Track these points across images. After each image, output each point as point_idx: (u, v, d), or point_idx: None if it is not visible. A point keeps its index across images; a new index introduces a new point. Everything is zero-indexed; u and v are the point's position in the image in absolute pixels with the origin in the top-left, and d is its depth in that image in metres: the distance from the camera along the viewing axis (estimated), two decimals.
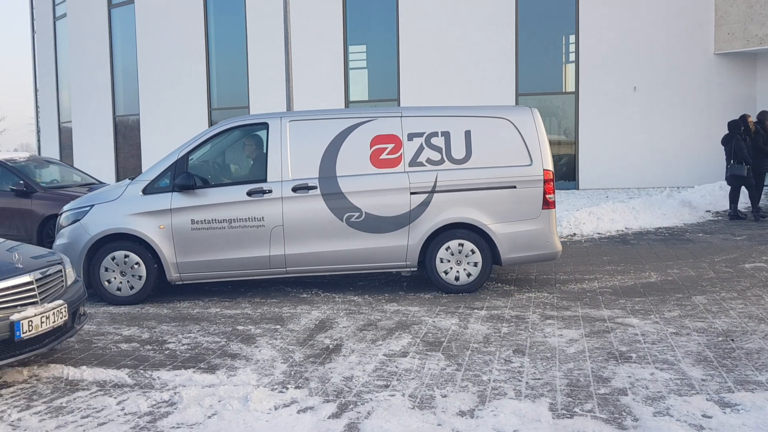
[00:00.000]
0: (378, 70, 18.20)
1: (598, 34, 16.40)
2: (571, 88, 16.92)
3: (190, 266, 7.11)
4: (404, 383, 4.64)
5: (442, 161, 7.20)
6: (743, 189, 12.18)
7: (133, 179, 7.44)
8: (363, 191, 7.10)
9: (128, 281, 7.12)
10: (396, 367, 4.98)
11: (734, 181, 11.89)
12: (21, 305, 4.67)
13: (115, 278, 7.13)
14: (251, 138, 7.54)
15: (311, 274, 7.50)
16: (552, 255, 7.38)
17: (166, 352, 5.52)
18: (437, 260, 7.21)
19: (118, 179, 20.27)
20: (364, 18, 17.96)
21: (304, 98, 16.41)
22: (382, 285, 7.82)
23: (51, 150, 24.50)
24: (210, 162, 7.55)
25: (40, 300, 4.81)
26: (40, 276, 4.90)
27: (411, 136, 7.22)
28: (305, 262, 7.14)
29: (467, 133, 7.24)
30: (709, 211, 12.80)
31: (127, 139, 20.77)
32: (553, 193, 7.25)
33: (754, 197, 11.93)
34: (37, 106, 26.76)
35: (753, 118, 12.44)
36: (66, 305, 5.00)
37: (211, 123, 18.66)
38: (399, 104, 17.24)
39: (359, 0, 17.83)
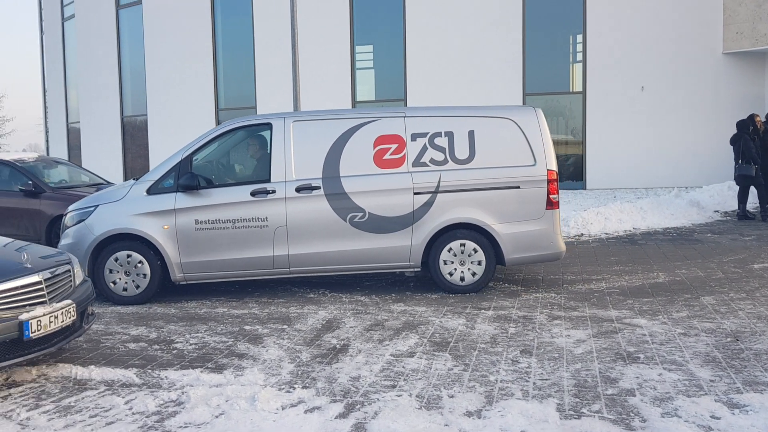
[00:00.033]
0: (385, 70, 18.21)
1: (605, 33, 16.36)
2: (578, 88, 16.88)
3: (194, 266, 7.13)
4: (411, 383, 4.64)
5: (445, 161, 7.20)
6: (752, 189, 12.13)
7: (137, 180, 7.47)
8: (366, 191, 7.10)
9: (133, 280, 7.15)
10: (403, 367, 4.98)
11: (743, 180, 11.84)
12: (30, 305, 4.69)
13: (120, 279, 7.16)
14: (255, 138, 7.55)
15: (315, 275, 7.50)
16: (556, 255, 7.36)
17: (174, 351, 5.54)
18: (441, 260, 7.20)
19: (125, 179, 20.34)
20: (370, 18, 17.97)
21: (311, 98, 16.44)
22: (389, 285, 7.82)
23: (59, 150, 24.62)
24: (214, 162, 7.58)
25: (49, 300, 4.83)
26: (49, 276, 4.92)
27: (414, 137, 7.22)
28: (309, 262, 7.15)
29: (471, 134, 7.23)
30: (717, 211, 12.74)
31: (134, 139, 20.85)
32: (557, 193, 7.24)
33: (763, 197, 11.87)
34: (45, 107, 26.89)
35: (762, 118, 12.39)
36: (74, 305, 5.02)
37: (218, 123, 18.71)
38: (406, 104, 17.24)
39: (366, 0, 17.85)
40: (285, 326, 6.19)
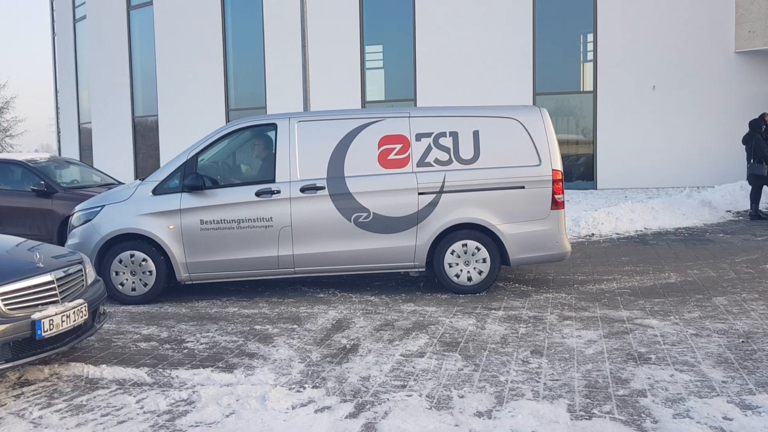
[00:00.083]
0: (394, 70, 18.21)
1: (616, 32, 16.28)
2: (589, 87, 16.81)
3: (200, 266, 7.16)
4: (421, 383, 4.64)
5: (450, 161, 7.19)
6: (765, 188, 12.03)
7: (143, 180, 7.51)
8: (371, 191, 7.11)
9: (140, 279, 7.18)
10: (413, 367, 4.98)
11: (755, 180, 11.76)
12: (42, 304, 4.72)
13: (127, 279, 7.20)
14: (260, 138, 7.57)
15: (320, 274, 7.51)
16: (561, 256, 7.34)
17: (185, 351, 5.56)
18: (446, 261, 7.20)
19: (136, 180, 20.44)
20: (380, 18, 17.97)
21: (321, 98, 16.45)
22: (398, 285, 7.82)
23: (71, 151, 24.78)
24: (219, 163, 7.60)
25: (61, 299, 4.86)
26: (62, 275, 4.96)
27: (419, 137, 7.21)
28: (313, 262, 7.16)
29: (475, 134, 7.22)
30: (729, 211, 12.66)
31: (145, 139, 20.95)
32: (562, 193, 7.21)
33: None
34: (57, 108, 27.07)
35: None
36: (86, 304, 5.05)
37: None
38: (416, 104, 17.22)
39: (376, 0, 17.84)
40: (295, 326, 6.20)
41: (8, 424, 4.19)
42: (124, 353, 5.54)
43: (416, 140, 7.21)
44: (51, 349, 4.77)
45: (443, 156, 7.20)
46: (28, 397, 4.62)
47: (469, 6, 16.91)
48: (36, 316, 4.62)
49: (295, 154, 7.18)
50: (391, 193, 7.12)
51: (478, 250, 7.19)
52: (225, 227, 7.10)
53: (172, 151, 18.18)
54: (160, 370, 5.08)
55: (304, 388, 4.61)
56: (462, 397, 4.38)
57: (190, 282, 7.29)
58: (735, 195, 13.18)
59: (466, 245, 7.19)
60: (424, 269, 7.33)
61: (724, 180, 14.88)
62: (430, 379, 4.73)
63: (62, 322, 4.78)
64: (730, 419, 3.94)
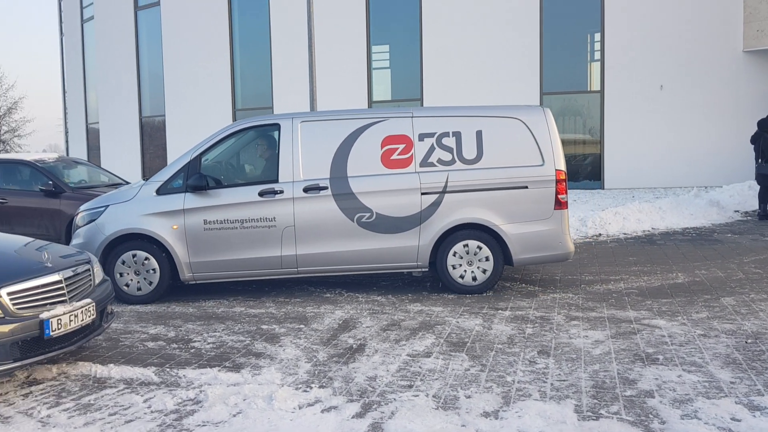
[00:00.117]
0: (401, 70, 18.20)
1: (623, 31, 16.23)
2: (596, 86, 16.77)
3: (203, 266, 7.18)
4: (428, 383, 4.64)
5: (453, 161, 7.18)
6: None
7: (147, 180, 7.54)
8: (374, 192, 7.11)
9: (145, 278, 7.21)
10: (420, 367, 4.98)
11: (764, 180, 11.69)
12: (50, 304, 4.75)
13: (132, 280, 7.22)
14: (263, 139, 7.58)
15: (323, 274, 7.52)
16: (564, 256, 7.32)
17: (192, 350, 5.58)
18: (449, 261, 7.19)
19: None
20: (387, 18, 17.97)
21: (328, 98, 16.47)
22: (405, 285, 7.82)
23: (78, 151, 24.88)
24: (222, 163, 7.62)
25: (69, 298, 4.88)
26: (71, 275, 4.98)
27: (422, 137, 7.21)
28: (316, 262, 7.17)
29: (478, 134, 7.21)
30: (737, 211, 12.60)
31: (153, 139, 21.02)
32: (566, 193, 7.19)
33: None
34: (65, 108, 27.19)
35: None
36: (94, 304, 5.07)
37: None
38: (422, 104, 17.22)
39: (382, 0, 17.85)
40: (302, 326, 6.21)
41: (17, 423, 4.21)
42: (132, 353, 5.56)
43: (419, 140, 7.20)
44: (59, 348, 4.79)
45: (446, 156, 7.19)
46: (36, 396, 4.65)
47: (476, 6, 16.89)
48: (44, 315, 4.64)
49: (298, 154, 7.19)
50: (394, 193, 7.12)
51: (480, 249, 7.18)
52: (228, 227, 7.12)
53: (179, 151, 18.25)
54: (168, 369, 5.10)
55: (311, 387, 4.61)
56: (469, 397, 4.38)
57: (194, 282, 7.31)
58: (743, 195, 13.12)
59: (467, 245, 7.19)
60: (427, 269, 7.33)
61: (732, 180, 14.82)
62: (436, 379, 4.72)
63: (70, 321, 4.80)
64: (738, 420, 3.92)
